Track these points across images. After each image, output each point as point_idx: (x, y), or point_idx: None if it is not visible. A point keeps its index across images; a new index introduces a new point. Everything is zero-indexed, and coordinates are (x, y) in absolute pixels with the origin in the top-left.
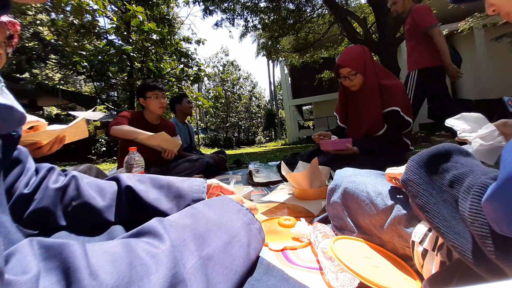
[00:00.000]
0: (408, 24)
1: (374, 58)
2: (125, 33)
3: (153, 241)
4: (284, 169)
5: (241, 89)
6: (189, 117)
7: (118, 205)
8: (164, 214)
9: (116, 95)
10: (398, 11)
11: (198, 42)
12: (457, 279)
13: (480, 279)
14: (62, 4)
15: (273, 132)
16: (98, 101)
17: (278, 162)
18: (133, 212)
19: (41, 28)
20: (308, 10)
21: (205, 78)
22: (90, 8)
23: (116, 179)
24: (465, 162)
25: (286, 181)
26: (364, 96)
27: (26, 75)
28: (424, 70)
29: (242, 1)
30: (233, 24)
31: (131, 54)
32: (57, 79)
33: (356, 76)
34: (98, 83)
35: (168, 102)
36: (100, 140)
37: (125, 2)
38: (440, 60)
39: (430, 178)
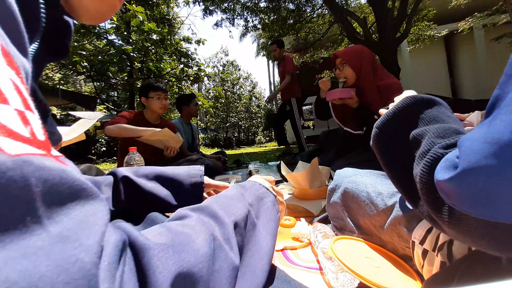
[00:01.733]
0: (282, 66)
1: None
2: (125, 33)
3: (183, 221)
4: (284, 169)
5: (241, 89)
6: (193, 117)
7: (116, 196)
8: (163, 200)
9: (116, 95)
10: (275, 56)
11: (198, 42)
12: (457, 280)
13: (481, 280)
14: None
15: (273, 132)
16: (98, 101)
17: (278, 162)
18: (132, 201)
19: None
20: (308, 10)
21: (205, 78)
22: None
23: (112, 172)
24: (429, 115)
25: (286, 181)
26: (365, 98)
27: None
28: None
29: (242, 1)
30: (233, 24)
31: (131, 54)
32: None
33: (344, 66)
34: (98, 83)
35: (171, 102)
36: (100, 140)
37: (125, 2)
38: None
39: (397, 135)
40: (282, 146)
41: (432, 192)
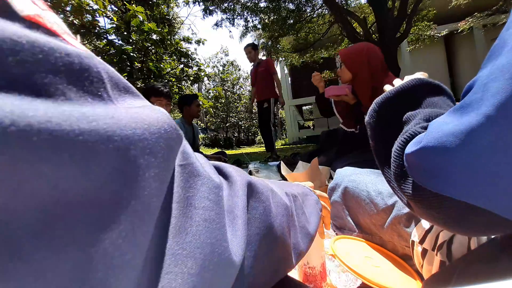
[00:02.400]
0: (264, 67)
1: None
2: (125, 33)
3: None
4: (284, 169)
5: (241, 89)
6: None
7: None
8: None
9: None
10: (251, 58)
11: (198, 42)
12: (455, 279)
13: (479, 279)
14: (62, 4)
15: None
16: None
17: (278, 162)
18: None
19: None
20: (308, 10)
21: (205, 78)
22: (90, 8)
23: None
24: (430, 101)
25: (286, 181)
26: (358, 95)
27: None
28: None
29: (242, 1)
30: (233, 24)
31: (131, 54)
32: None
33: (342, 66)
34: None
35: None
36: None
37: (125, 2)
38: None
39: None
40: (282, 146)
41: (400, 165)
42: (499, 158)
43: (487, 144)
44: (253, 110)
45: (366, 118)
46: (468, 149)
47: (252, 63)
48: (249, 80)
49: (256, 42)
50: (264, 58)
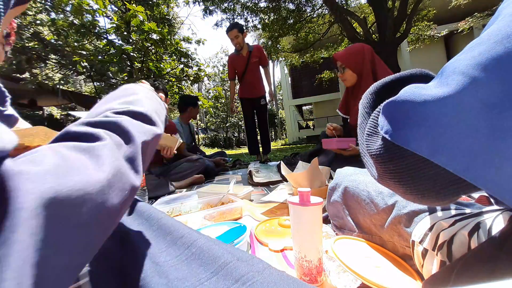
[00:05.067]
0: (256, 57)
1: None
2: (125, 33)
3: (88, 143)
4: (284, 169)
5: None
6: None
7: None
8: None
9: None
10: (239, 43)
11: (198, 42)
12: (454, 279)
13: (477, 278)
14: (62, 4)
15: (273, 132)
16: (98, 101)
17: (278, 162)
18: None
19: (41, 28)
20: (308, 10)
21: (205, 78)
22: (90, 8)
23: None
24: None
25: (286, 181)
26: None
27: (26, 75)
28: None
29: (242, 1)
30: None
31: (131, 54)
32: (57, 79)
33: (344, 70)
34: (98, 83)
35: (171, 102)
36: None
37: (125, 2)
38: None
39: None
40: (282, 146)
41: (375, 125)
42: (468, 119)
43: (459, 103)
44: (235, 109)
45: (361, 100)
46: (440, 106)
47: (240, 50)
48: None
49: (256, 42)
50: (251, 44)
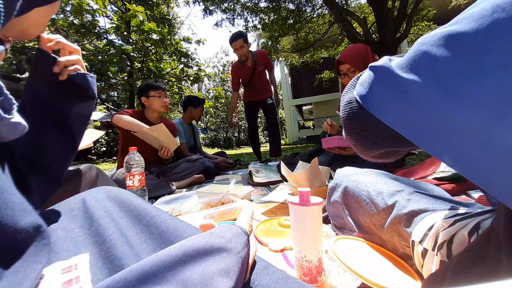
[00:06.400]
0: (262, 64)
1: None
2: (125, 33)
3: None
4: (284, 169)
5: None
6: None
7: None
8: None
9: (116, 95)
10: (244, 53)
11: (198, 42)
12: (449, 276)
13: (471, 277)
14: (62, 4)
15: None
16: (98, 101)
17: (278, 162)
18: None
19: None
20: (308, 10)
21: (205, 78)
22: (90, 8)
23: None
24: None
25: (286, 181)
26: None
27: (26, 75)
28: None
29: (242, 1)
30: (233, 24)
31: (131, 54)
32: None
33: (354, 73)
34: (98, 83)
35: (171, 102)
36: (100, 140)
37: (125, 2)
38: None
39: None
40: (282, 146)
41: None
42: (427, 93)
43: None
44: (234, 122)
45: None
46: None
47: (244, 59)
48: None
49: (256, 42)
50: (253, 50)
